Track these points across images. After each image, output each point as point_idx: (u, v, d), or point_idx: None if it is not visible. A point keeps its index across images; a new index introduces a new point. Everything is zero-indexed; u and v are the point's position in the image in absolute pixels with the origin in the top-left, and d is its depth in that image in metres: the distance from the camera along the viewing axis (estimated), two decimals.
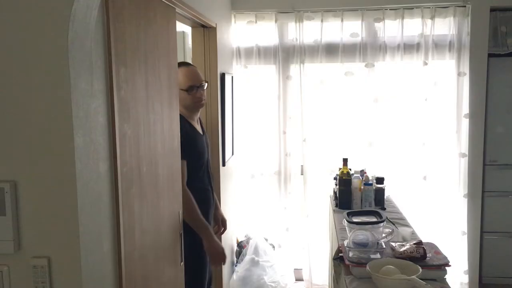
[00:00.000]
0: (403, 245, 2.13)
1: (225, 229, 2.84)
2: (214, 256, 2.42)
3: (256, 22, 3.81)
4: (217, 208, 2.76)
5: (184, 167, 2.30)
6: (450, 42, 3.65)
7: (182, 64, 2.47)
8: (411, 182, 3.79)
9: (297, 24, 3.76)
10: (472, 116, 3.67)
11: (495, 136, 3.73)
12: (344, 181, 3.03)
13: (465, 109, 3.68)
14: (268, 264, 3.68)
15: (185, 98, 2.39)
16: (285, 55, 3.85)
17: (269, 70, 3.89)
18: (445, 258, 2.05)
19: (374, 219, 2.24)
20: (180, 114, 2.37)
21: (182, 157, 2.26)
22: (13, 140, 1.29)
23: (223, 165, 3.38)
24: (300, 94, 3.83)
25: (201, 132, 2.55)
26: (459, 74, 3.67)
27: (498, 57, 3.66)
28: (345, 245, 2.18)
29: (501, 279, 3.81)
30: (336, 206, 3.07)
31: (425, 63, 3.68)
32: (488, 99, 3.68)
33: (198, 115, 2.57)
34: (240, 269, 3.64)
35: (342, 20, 3.71)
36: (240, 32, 3.85)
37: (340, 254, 2.21)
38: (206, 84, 2.51)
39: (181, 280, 2.27)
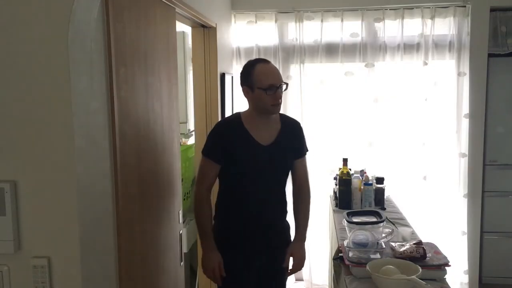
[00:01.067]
0: (403, 245, 2.13)
1: (293, 270, 2.28)
2: (204, 271, 2.17)
3: (256, 22, 3.80)
4: (295, 240, 2.31)
5: (208, 167, 2.13)
6: (450, 42, 3.65)
7: (260, 60, 2.19)
8: (411, 182, 3.78)
9: (297, 24, 3.76)
10: (472, 116, 3.67)
11: (495, 136, 3.73)
12: (344, 181, 3.02)
13: (465, 109, 3.68)
14: None
15: (262, 99, 2.08)
16: (285, 55, 3.85)
17: None
18: (445, 258, 2.05)
19: (374, 219, 2.24)
20: (237, 116, 2.19)
21: (212, 158, 2.11)
22: (13, 140, 1.29)
23: None
24: (300, 94, 3.83)
25: (262, 142, 2.15)
26: (459, 74, 3.67)
27: (498, 57, 3.66)
28: (345, 245, 2.17)
29: (501, 279, 3.81)
30: (336, 206, 3.07)
31: (425, 63, 3.68)
32: (488, 99, 3.68)
33: (270, 120, 2.19)
34: None
35: (342, 20, 3.71)
36: (240, 32, 3.84)
37: (340, 254, 2.21)
38: (286, 85, 2.15)
39: (181, 280, 2.27)
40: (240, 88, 2.20)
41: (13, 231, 1.29)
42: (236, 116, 2.21)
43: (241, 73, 2.20)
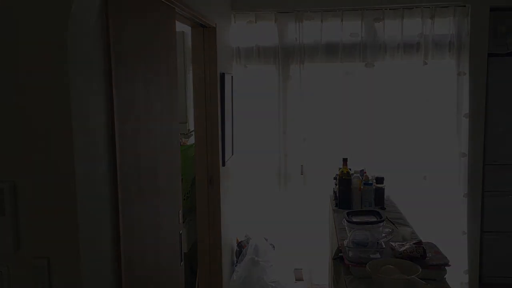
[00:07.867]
0: (403, 245, 2.13)
1: None
2: None
3: (256, 22, 3.80)
4: None
5: None
6: (450, 42, 3.65)
7: None
8: (411, 182, 3.78)
9: (297, 24, 3.75)
10: (472, 115, 3.67)
11: (495, 136, 3.72)
12: (344, 181, 3.02)
13: (465, 108, 3.68)
14: (268, 264, 3.68)
15: None
16: (285, 55, 3.85)
17: (269, 70, 3.89)
18: (445, 258, 2.05)
19: (374, 219, 2.24)
20: None
21: None
22: (13, 140, 1.29)
23: (223, 165, 3.37)
24: (300, 94, 3.83)
25: None
26: (459, 73, 3.67)
27: (498, 56, 3.66)
28: (345, 245, 2.17)
29: (501, 279, 3.81)
30: (336, 206, 3.07)
31: (425, 63, 3.68)
32: (488, 99, 3.68)
33: None
34: (240, 269, 3.64)
35: (342, 20, 3.71)
36: (240, 32, 3.84)
37: (340, 254, 2.21)
38: None
39: (181, 280, 2.27)
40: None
41: (12, 231, 1.29)
42: None
43: None
